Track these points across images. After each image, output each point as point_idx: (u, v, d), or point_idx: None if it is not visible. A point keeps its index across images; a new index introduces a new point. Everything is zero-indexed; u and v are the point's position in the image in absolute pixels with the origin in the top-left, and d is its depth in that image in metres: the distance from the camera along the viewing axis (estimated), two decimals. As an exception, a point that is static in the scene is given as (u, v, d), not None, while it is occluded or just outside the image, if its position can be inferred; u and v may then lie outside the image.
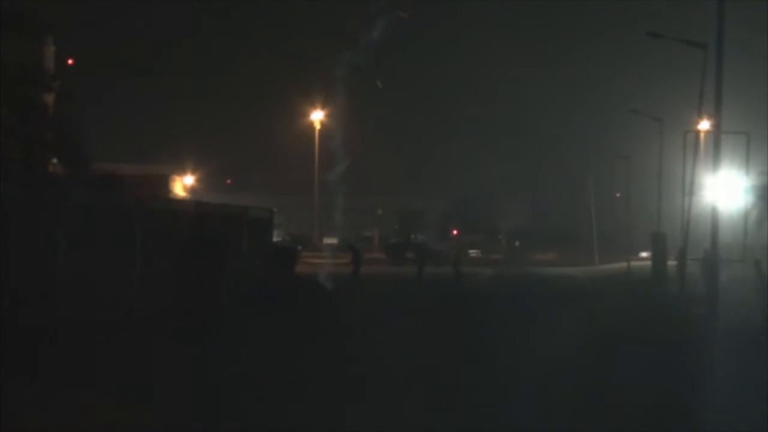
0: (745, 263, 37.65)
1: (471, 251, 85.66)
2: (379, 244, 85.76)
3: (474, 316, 27.78)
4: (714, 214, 27.29)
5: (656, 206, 51.91)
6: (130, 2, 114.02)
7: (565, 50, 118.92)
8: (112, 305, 20.47)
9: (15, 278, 18.03)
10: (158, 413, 12.54)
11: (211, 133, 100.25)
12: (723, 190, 30.92)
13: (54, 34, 38.07)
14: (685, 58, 44.92)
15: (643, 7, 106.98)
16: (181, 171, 79.43)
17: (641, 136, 63.40)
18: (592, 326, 24.87)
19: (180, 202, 41.70)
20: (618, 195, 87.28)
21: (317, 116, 77.60)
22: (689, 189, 39.97)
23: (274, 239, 44.51)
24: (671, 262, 45.60)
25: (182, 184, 78.56)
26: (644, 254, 66.95)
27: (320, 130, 76.74)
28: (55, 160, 25.21)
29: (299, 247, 54.28)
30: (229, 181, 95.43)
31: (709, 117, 36.02)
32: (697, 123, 41.81)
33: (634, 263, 63.03)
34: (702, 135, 41.55)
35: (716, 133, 27.02)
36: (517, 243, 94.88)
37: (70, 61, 48.17)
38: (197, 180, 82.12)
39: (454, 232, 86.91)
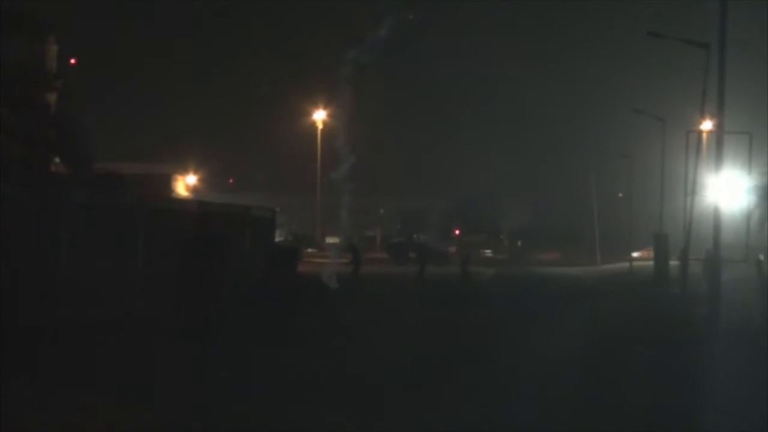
0: (747, 263, 37.66)
1: (485, 251, 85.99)
2: (381, 244, 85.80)
3: (475, 316, 27.77)
4: (716, 214, 27.31)
5: (658, 206, 51.88)
6: (132, 1, 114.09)
7: (567, 50, 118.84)
8: (114, 305, 20.46)
9: (16, 278, 18.03)
10: (158, 413, 12.55)
11: (214, 133, 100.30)
12: (725, 190, 30.87)
13: (56, 33, 38.05)
14: (687, 58, 44.86)
15: (644, 7, 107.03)
16: (184, 170, 79.53)
17: (643, 135, 63.36)
18: (594, 326, 24.87)
19: (182, 201, 41.73)
20: (620, 195, 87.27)
21: (320, 116, 77.63)
22: (691, 189, 39.93)
23: (277, 239, 44.54)
24: (673, 262, 45.58)
25: (184, 184, 78.67)
26: (636, 254, 66.77)
27: (323, 130, 76.76)
28: (57, 160, 25.18)
29: (309, 249, 54.18)
30: (231, 181, 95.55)
31: (712, 117, 36.03)
32: (700, 123, 41.79)
33: (635, 263, 62.98)
34: (704, 135, 41.53)
35: (719, 133, 27.04)
36: (519, 243, 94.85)
37: (72, 61, 48.17)
38: (199, 179, 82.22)
39: (456, 232, 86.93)
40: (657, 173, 52.51)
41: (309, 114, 78.29)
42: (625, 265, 64.03)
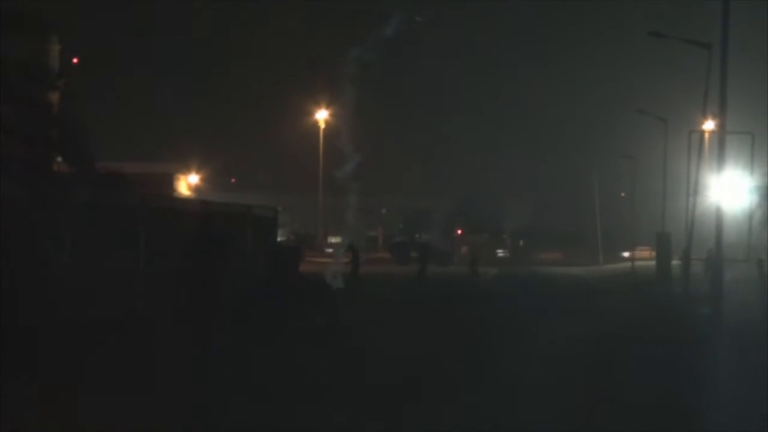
0: (749, 263, 37.68)
1: (499, 251, 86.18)
2: (383, 244, 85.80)
3: (476, 316, 27.74)
4: (718, 214, 27.31)
5: (661, 206, 51.89)
6: (134, 1, 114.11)
7: (568, 50, 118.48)
8: (115, 304, 20.46)
9: (16, 278, 18.02)
10: (159, 413, 12.53)
11: (216, 132, 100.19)
12: (727, 190, 30.88)
13: (58, 32, 38.06)
14: (689, 58, 44.85)
15: (646, 7, 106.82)
16: (186, 170, 79.54)
17: (646, 136, 63.40)
18: (595, 326, 24.84)
19: (184, 200, 41.76)
20: (623, 195, 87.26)
21: (322, 115, 77.62)
22: (694, 189, 39.98)
23: (279, 238, 44.56)
24: (675, 262, 45.59)
25: (187, 183, 78.71)
26: (626, 254, 66.82)
27: (325, 129, 76.76)
28: (59, 159, 25.19)
29: (309, 251, 54.17)
30: (233, 180, 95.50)
31: (714, 117, 36.02)
32: (702, 123, 41.82)
33: (638, 263, 62.99)
34: (706, 135, 41.56)
35: (721, 133, 27.05)
36: (521, 242, 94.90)
37: (74, 60, 48.21)
38: (201, 179, 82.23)
39: (458, 231, 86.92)
40: (659, 173, 52.58)
41: (311, 113, 78.29)
42: (628, 264, 64.05)
